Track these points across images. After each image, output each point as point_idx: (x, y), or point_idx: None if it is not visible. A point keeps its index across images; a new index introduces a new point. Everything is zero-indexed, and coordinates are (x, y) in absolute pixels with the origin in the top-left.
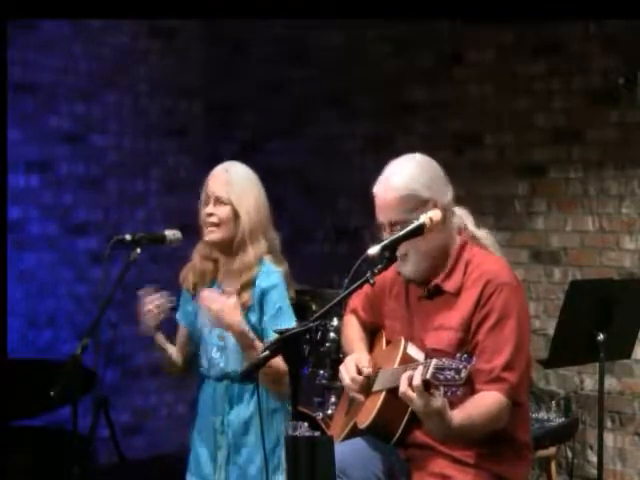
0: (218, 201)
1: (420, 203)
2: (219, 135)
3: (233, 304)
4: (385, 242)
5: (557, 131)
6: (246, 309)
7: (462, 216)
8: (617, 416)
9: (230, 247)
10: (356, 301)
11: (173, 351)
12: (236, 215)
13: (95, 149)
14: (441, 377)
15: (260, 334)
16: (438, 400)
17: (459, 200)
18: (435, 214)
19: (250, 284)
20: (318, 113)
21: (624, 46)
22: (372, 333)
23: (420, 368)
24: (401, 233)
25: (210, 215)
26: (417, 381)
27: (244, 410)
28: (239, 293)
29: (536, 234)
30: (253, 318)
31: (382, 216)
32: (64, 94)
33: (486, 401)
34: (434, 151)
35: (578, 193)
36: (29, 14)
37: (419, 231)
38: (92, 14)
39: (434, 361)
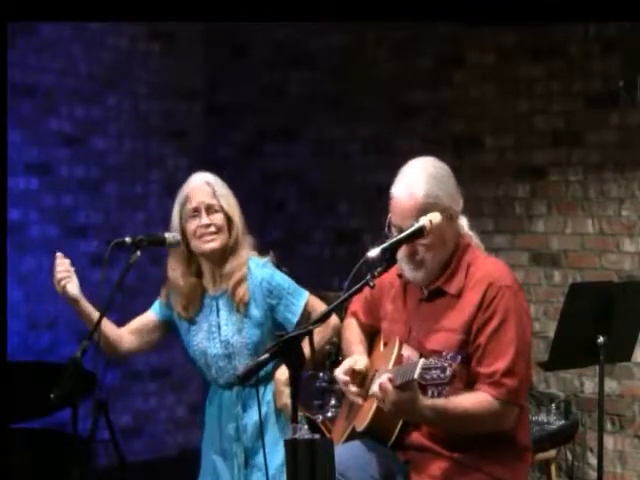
0: (211, 210)
1: (438, 211)
2: (219, 138)
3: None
4: (385, 245)
5: (557, 134)
6: (245, 304)
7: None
8: (617, 419)
9: (224, 253)
10: (356, 304)
11: (109, 325)
12: (229, 220)
13: (95, 151)
14: (428, 377)
15: (267, 324)
16: (405, 393)
17: None
18: (435, 216)
19: (243, 279)
20: (318, 115)
21: (624, 49)
22: (372, 336)
23: (395, 370)
24: (402, 235)
25: (208, 225)
26: (383, 380)
27: (257, 412)
28: (233, 292)
29: (536, 237)
30: (257, 312)
31: (397, 219)
32: (64, 96)
33: (476, 399)
34: (434, 153)
35: (578, 196)
36: (29, 16)
37: (420, 234)
38: (92, 16)
39: (422, 361)
